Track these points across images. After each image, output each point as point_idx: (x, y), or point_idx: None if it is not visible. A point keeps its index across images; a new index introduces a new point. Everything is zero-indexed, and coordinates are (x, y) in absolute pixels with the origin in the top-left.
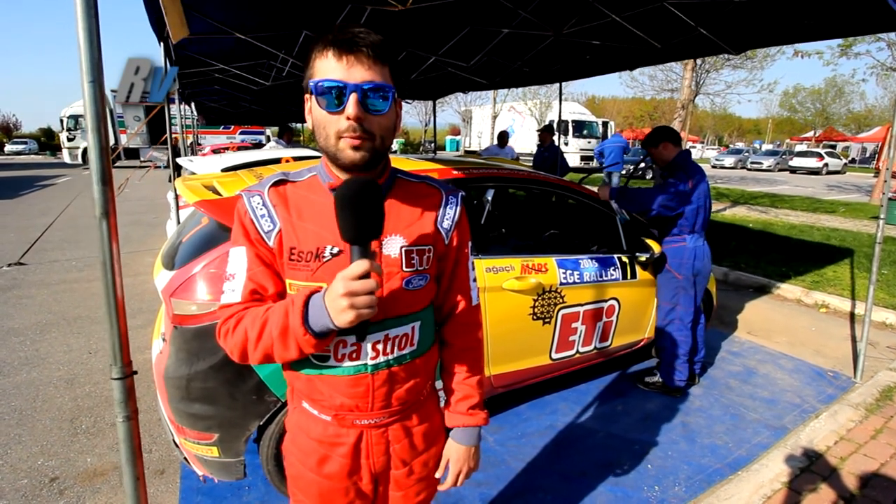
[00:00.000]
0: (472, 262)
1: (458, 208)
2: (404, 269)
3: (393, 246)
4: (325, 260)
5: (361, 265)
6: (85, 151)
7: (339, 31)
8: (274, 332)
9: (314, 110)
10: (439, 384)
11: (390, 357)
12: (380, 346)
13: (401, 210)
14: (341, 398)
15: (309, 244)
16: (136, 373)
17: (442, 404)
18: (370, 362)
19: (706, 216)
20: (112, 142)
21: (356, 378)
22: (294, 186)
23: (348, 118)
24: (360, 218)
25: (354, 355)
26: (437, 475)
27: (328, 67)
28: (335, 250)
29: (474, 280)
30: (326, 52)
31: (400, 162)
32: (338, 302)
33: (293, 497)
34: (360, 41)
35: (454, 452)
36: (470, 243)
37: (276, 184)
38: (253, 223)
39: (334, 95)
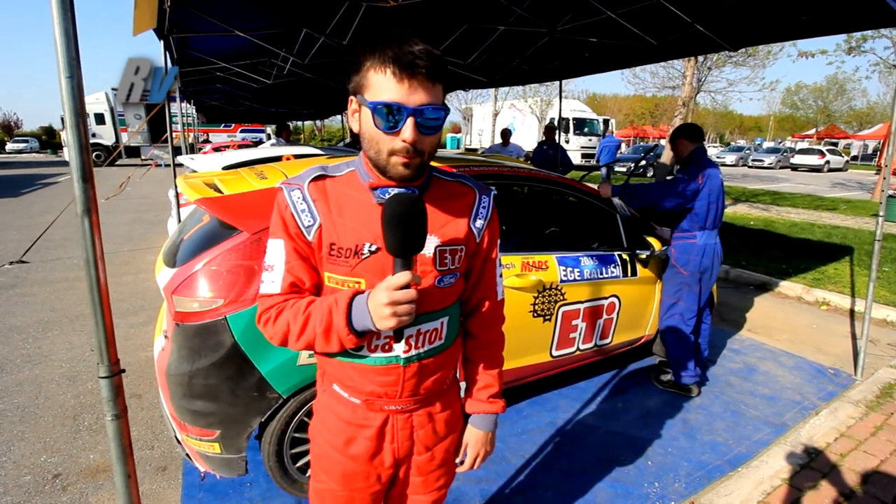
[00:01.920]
0: (500, 258)
1: (490, 207)
2: (437, 268)
3: (427, 245)
4: (363, 257)
5: (404, 277)
6: None
7: (399, 49)
8: (318, 328)
9: (366, 124)
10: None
11: (421, 350)
12: (412, 341)
13: (436, 210)
14: (372, 386)
15: (348, 241)
16: (123, 371)
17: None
18: (403, 355)
19: (718, 213)
20: (113, 140)
21: (387, 368)
22: (333, 182)
23: (404, 141)
24: (406, 234)
25: (387, 347)
26: (457, 459)
27: (387, 87)
28: (373, 248)
29: (500, 275)
30: (384, 68)
31: None
32: (381, 310)
33: (315, 478)
34: (421, 63)
35: (473, 437)
36: (499, 240)
37: (316, 178)
38: (293, 217)
39: (391, 116)
